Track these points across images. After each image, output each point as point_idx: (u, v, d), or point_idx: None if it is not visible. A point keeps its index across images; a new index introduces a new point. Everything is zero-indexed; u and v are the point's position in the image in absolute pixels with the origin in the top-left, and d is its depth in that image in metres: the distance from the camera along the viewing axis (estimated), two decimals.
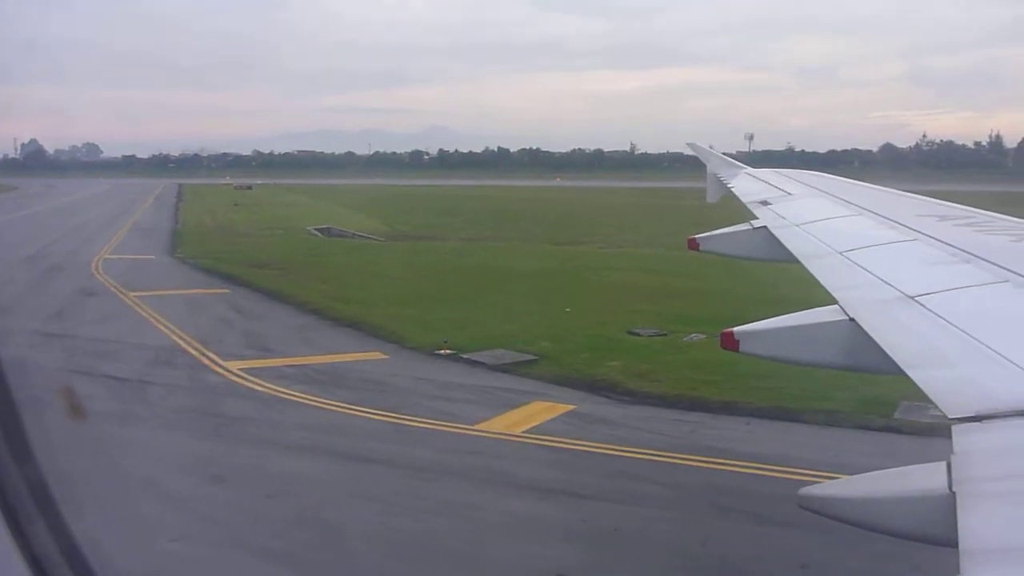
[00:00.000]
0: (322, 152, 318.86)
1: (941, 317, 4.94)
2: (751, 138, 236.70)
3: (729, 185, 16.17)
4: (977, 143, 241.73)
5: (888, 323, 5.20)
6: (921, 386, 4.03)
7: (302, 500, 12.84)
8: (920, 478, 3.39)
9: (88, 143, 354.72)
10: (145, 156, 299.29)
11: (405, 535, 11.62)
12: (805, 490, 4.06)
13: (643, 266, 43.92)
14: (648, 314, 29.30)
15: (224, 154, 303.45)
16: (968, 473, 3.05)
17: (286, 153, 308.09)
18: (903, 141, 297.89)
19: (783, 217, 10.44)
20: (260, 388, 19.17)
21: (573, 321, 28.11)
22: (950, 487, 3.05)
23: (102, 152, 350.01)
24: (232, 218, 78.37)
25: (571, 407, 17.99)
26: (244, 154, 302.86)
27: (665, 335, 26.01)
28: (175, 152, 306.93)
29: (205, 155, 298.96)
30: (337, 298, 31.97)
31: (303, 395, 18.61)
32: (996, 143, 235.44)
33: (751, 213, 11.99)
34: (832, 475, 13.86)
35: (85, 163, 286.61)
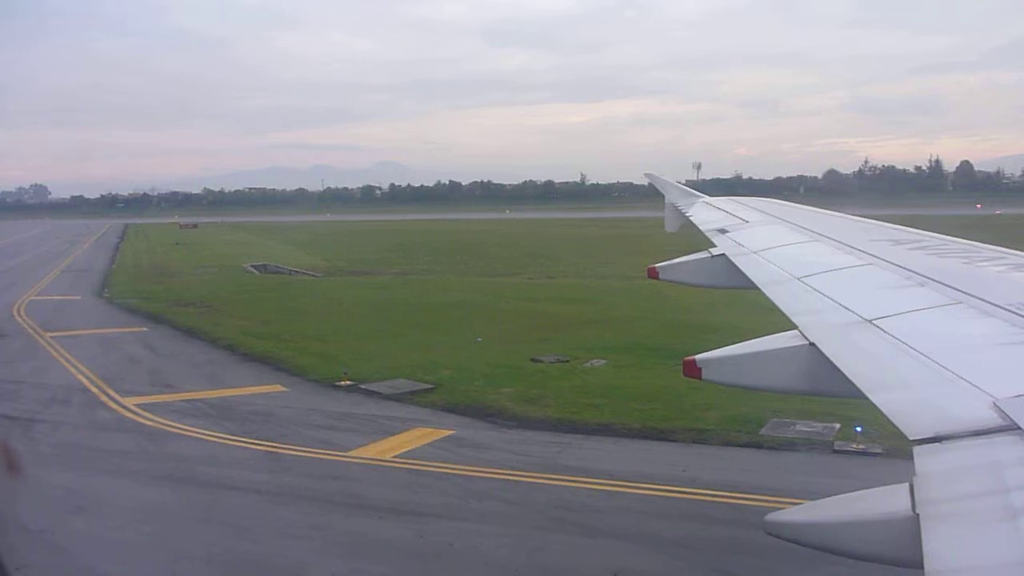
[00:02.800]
0: (273, 189, 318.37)
1: (898, 339, 5.03)
2: (699, 167, 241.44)
3: (687, 214, 16.37)
4: (918, 168, 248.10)
5: (847, 347, 5.26)
6: (881, 408, 4.06)
7: (155, 527, 13.25)
8: (884, 500, 3.43)
9: (35, 184, 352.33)
10: (94, 196, 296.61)
11: (243, 556, 12.13)
12: (771, 516, 3.98)
13: (568, 296, 44.52)
14: (558, 342, 29.95)
15: (174, 193, 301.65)
16: (930, 494, 3.10)
17: (236, 191, 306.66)
18: (848, 167, 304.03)
19: (741, 244, 10.56)
20: (149, 422, 19.52)
21: (481, 350, 28.71)
22: (913, 509, 3.10)
23: (50, 193, 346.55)
24: (170, 257, 78.08)
25: (450, 432, 18.57)
26: (195, 192, 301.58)
27: (566, 361, 26.69)
28: (124, 192, 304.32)
29: (155, 194, 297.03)
30: (253, 334, 32.30)
31: (189, 428, 18.99)
32: (936, 168, 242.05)
33: (706, 241, 12.19)
34: (676, 488, 14.68)
35: (31, 204, 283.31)
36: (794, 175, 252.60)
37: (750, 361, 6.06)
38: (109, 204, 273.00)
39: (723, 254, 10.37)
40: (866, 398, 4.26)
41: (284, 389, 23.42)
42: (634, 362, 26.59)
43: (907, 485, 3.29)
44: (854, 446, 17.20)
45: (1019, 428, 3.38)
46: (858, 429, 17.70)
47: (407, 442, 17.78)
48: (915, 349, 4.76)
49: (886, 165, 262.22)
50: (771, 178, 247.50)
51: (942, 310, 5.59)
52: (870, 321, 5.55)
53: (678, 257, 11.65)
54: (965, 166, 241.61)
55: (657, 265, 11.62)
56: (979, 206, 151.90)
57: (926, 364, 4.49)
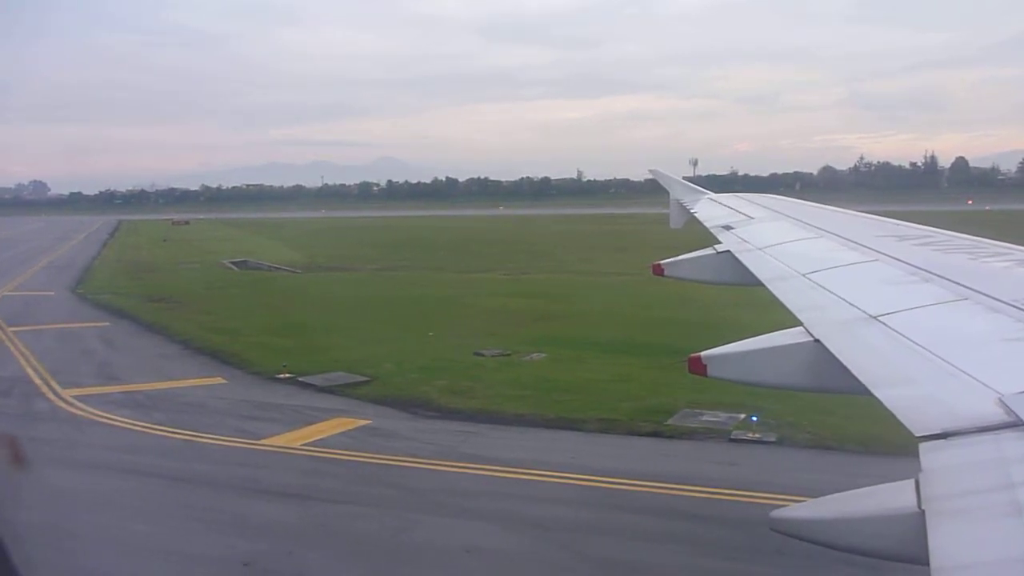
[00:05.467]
0: (271, 185, 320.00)
1: (904, 336, 5.00)
2: (695, 163, 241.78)
3: (692, 211, 16.28)
4: (913, 164, 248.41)
5: (852, 343, 5.26)
6: (887, 404, 4.04)
7: (54, 511, 13.89)
8: (890, 497, 3.41)
9: (35, 180, 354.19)
10: (92, 193, 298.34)
11: (130, 536, 12.86)
12: (776, 512, 3.96)
13: (537, 291, 45.03)
14: (509, 337, 30.54)
15: (171, 189, 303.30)
16: (936, 490, 3.10)
17: (234, 187, 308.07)
18: (848, 164, 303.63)
19: (746, 241, 10.48)
20: (81, 412, 20.24)
21: (429, 345, 29.37)
22: (919, 505, 3.11)
23: (49, 189, 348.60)
24: (155, 254, 78.92)
25: (366, 422, 19.28)
26: (192, 189, 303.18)
27: (508, 355, 27.35)
28: (123, 188, 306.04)
29: (153, 191, 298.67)
30: (211, 328, 32.99)
31: (118, 418, 19.70)
32: (931, 164, 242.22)
33: (708, 238, 12.17)
34: (559, 474, 15.36)
35: (30, 201, 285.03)
36: (790, 171, 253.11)
37: (755, 358, 6.04)
38: (107, 200, 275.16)
39: (728, 251, 10.39)
40: (871, 394, 4.28)
41: (224, 381, 24.14)
42: (575, 355, 27.21)
43: (913, 481, 3.28)
44: (749, 435, 17.89)
45: None
46: (754, 419, 18.41)
47: (321, 431, 18.48)
48: (920, 345, 4.75)
49: (881, 161, 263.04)
50: (767, 175, 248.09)
51: (948, 306, 5.54)
52: (875, 317, 5.55)
53: (679, 255, 11.69)
54: (960, 162, 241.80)
55: (662, 262, 11.66)
56: (970, 202, 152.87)
57: (931, 360, 4.49)
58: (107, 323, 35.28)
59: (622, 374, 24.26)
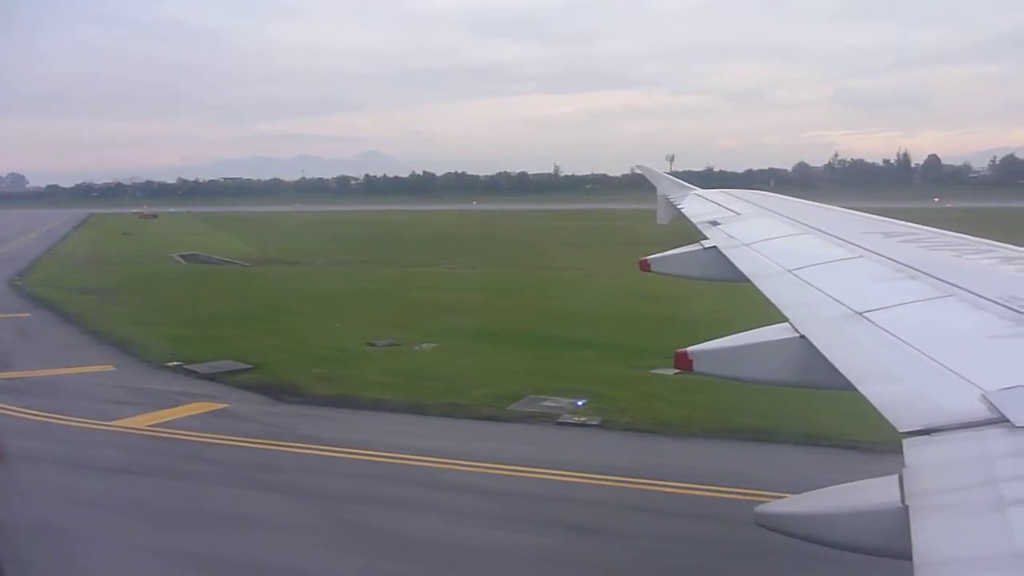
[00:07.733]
0: (249, 179, 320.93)
1: (889, 332, 5.03)
2: (672, 159, 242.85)
3: (679, 206, 16.29)
4: (887, 161, 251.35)
5: (838, 339, 5.29)
6: (871, 400, 4.06)
7: None
8: (873, 492, 3.45)
9: (12, 173, 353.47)
10: (69, 186, 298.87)
11: None
12: (761, 508, 4.03)
13: (472, 286, 45.85)
14: (413, 328, 31.47)
15: (149, 182, 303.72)
16: (920, 486, 3.13)
17: (212, 180, 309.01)
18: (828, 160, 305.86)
19: (733, 237, 10.54)
20: None
21: (330, 335, 30.35)
22: (903, 500, 3.14)
23: (27, 182, 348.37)
24: (111, 247, 79.71)
25: (223, 406, 20.32)
26: (170, 182, 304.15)
27: (399, 345, 28.40)
28: (101, 181, 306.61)
29: (130, 184, 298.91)
30: (129, 320, 33.81)
31: None
32: (904, 161, 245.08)
33: (692, 233, 12.32)
34: (370, 452, 16.47)
35: (7, 194, 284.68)
36: (765, 168, 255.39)
37: (741, 353, 6.09)
38: (84, 193, 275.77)
39: (715, 247, 10.44)
40: (856, 390, 4.33)
41: (112, 369, 25.09)
42: (466, 346, 28.25)
43: (897, 477, 3.33)
44: (575, 419, 19.02)
45: (1007, 420, 3.40)
46: (579, 404, 19.58)
47: (175, 414, 19.48)
48: (905, 342, 4.80)
49: (855, 159, 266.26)
50: (742, 171, 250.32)
51: (933, 303, 5.58)
52: (861, 314, 5.60)
53: (657, 252, 11.74)
54: (932, 160, 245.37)
55: (649, 257, 11.69)
56: (936, 199, 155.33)
57: (916, 356, 4.52)
58: (28, 314, 36.14)
59: (497, 364, 25.31)
